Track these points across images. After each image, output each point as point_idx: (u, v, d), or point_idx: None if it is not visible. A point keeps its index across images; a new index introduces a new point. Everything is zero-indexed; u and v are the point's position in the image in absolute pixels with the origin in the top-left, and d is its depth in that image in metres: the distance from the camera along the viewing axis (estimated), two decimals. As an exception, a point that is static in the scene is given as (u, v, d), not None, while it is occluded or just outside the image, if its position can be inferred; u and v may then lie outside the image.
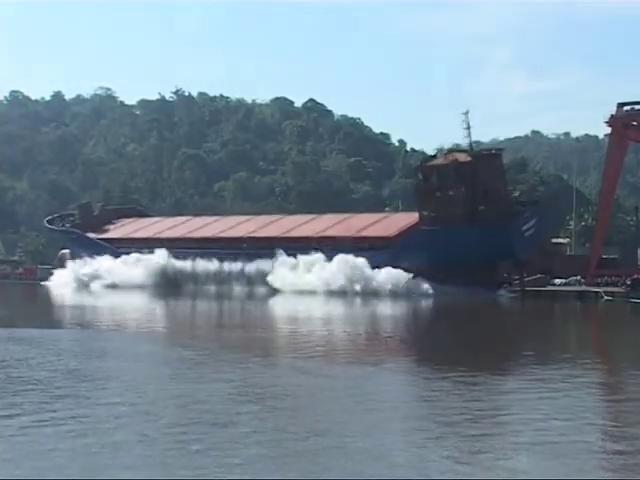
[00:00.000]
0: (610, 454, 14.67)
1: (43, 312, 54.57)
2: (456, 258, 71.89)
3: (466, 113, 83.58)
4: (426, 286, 74.10)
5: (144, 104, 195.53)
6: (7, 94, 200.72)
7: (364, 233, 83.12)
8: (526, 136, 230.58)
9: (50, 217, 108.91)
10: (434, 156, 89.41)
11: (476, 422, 17.00)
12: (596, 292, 71.44)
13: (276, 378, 23.14)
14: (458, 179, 78.99)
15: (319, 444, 14.97)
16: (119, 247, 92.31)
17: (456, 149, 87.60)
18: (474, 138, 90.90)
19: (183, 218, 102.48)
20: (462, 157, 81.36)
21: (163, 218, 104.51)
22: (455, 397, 20.11)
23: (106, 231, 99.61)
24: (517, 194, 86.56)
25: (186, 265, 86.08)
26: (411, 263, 74.59)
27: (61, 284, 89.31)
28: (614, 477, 13.43)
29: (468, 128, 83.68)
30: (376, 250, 78.51)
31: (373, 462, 13.72)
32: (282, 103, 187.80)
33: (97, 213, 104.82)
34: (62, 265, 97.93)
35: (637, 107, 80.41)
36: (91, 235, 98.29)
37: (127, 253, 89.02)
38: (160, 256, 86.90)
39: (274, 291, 76.72)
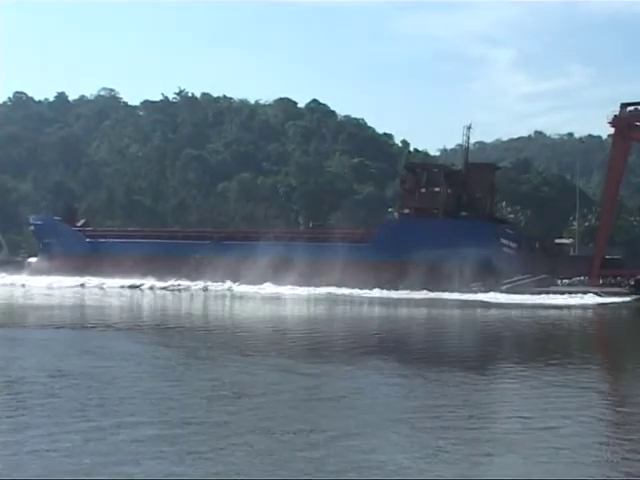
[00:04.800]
0: None
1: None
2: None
3: (469, 127, 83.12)
4: None
5: (147, 105, 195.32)
6: (11, 95, 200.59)
7: None
8: (529, 136, 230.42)
9: (35, 216, 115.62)
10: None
11: None
12: None
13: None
14: (446, 181, 79.53)
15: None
16: (94, 238, 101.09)
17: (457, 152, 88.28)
18: (477, 139, 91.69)
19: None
20: (455, 166, 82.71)
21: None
22: None
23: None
24: (506, 216, 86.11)
25: None
26: (390, 256, 73.83)
27: None
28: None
29: (467, 142, 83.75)
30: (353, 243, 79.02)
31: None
32: (285, 104, 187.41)
33: (79, 224, 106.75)
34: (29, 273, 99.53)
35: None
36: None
37: (100, 243, 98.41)
38: None
39: None
